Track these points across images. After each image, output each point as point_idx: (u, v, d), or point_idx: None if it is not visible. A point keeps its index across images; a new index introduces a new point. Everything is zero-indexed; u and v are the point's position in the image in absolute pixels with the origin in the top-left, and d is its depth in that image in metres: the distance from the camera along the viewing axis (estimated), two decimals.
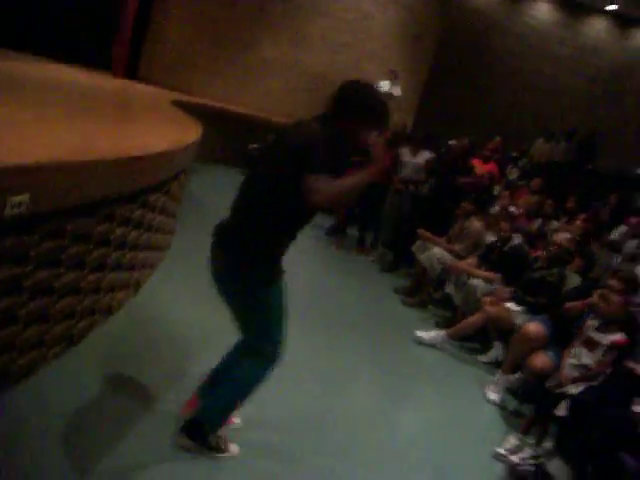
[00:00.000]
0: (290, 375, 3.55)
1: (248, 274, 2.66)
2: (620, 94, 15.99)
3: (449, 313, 6.17)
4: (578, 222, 7.08)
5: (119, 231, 3.64)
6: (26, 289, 2.74)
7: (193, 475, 2.79)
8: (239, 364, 2.84)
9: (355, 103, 2.63)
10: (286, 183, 2.49)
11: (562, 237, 5.32)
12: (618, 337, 3.94)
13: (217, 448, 2.91)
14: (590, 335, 4.06)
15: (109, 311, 3.87)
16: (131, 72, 12.54)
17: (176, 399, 3.22)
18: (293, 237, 2.72)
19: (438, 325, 5.77)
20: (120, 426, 2.92)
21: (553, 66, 16.12)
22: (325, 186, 2.37)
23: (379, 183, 7.94)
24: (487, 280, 5.67)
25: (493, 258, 5.98)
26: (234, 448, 2.98)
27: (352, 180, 2.48)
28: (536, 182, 9.52)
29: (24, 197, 2.36)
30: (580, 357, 4.04)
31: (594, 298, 4.18)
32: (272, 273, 2.70)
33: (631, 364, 3.76)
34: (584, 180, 11.24)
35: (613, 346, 3.91)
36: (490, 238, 6.49)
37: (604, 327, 4.03)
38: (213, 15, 13.03)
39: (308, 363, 4.27)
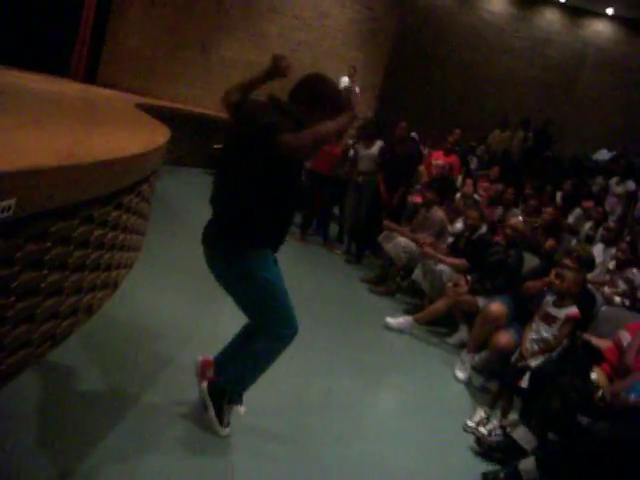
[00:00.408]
0: None
1: (242, 260, 2.85)
2: (573, 82, 16.43)
3: (417, 300, 6.41)
4: (549, 209, 7.27)
5: (97, 232, 3.77)
6: (13, 290, 2.87)
7: (188, 463, 2.95)
8: (259, 341, 3.02)
9: (317, 93, 2.92)
10: (258, 165, 2.72)
11: (515, 221, 5.59)
12: (573, 311, 4.20)
13: (223, 419, 3.11)
14: (548, 310, 4.32)
15: (90, 310, 4.00)
16: (90, 77, 12.56)
17: (162, 390, 3.38)
18: (277, 219, 2.90)
19: (408, 312, 5.99)
20: (108, 421, 3.05)
21: (508, 58, 16.48)
22: (299, 135, 2.62)
23: (339, 178, 8.19)
24: (454, 267, 5.90)
25: (460, 246, 6.23)
26: (228, 430, 3.16)
27: (324, 125, 2.73)
28: (495, 171, 9.86)
29: (11, 202, 2.50)
30: (539, 331, 4.30)
31: (551, 276, 4.43)
32: (263, 254, 2.89)
33: (587, 336, 4.04)
34: (541, 167, 11.59)
35: (568, 319, 4.17)
36: (457, 226, 6.76)
37: (560, 302, 4.29)
38: (172, 18, 13.13)
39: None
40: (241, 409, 3.19)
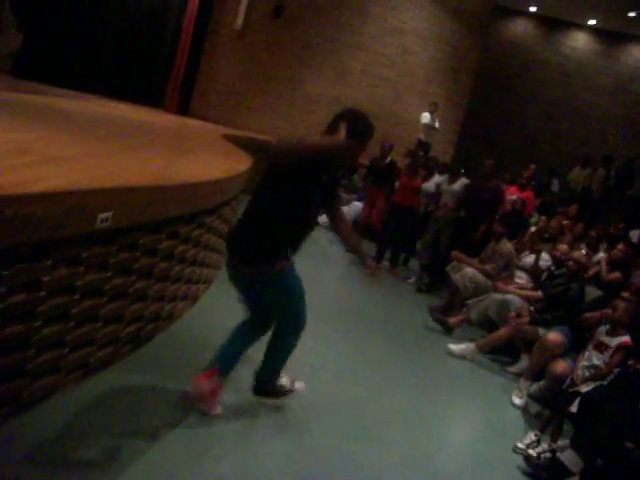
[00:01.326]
0: (331, 377, 4.05)
1: (270, 272, 3.24)
2: None
3: (483, 330, 6.56)
4: (620, 246, 7.29)
5: (180, 248, 4.20)
6: (106, 292, 3.30)
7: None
8: (286, 337, 3.54)
9: (357, 126, 3.25)
10: (288, 182, 3.17)
11: (578, 254, 5.71)
12: (624, 340, 4.32)
13: (281, 392, 3.71)
14: (600, 339, 4.45)
15: (171, 318, 4.42)
16: (183, 109, 13.35)
17: (231, 392, 3.74)
18: (296, 236, 3.33)
19: (471, 340, 6.16)
20: (180, 414, 3.42)
21: (591, 94, 16.39)
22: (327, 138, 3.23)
23: (409, 207, 8.49)
24: (529, 297, 6.04)
25: (545, 280, 6.35)
26: (299, 384, 3.82)
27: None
28: (572, 208, 9.85)
29: (109, 214, 2.93)
30: (591, 359, 4.43)
31: (607, 308, 4.57)
32: (287, 265, 3.29)
33: (639, 365, 4.14)
34: (621, 206, 11.47)
35: (620, 348, 4.29)
36: (526, 260, 6.92)
37: (612, 331, 4.41)
38: (260, 54, 13.82)
39: (349, 369, 4.75)
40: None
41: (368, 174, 10.11)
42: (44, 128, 4.80)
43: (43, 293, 2.76)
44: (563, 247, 6.40)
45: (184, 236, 4.22)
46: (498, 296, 6.23)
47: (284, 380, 3.73)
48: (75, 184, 2.78)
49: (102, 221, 2.90)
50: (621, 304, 4.43)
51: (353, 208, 10.40)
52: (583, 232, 8.14)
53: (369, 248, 9.09)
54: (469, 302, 6.30)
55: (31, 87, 8.64)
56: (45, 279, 2.75)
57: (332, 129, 3.27)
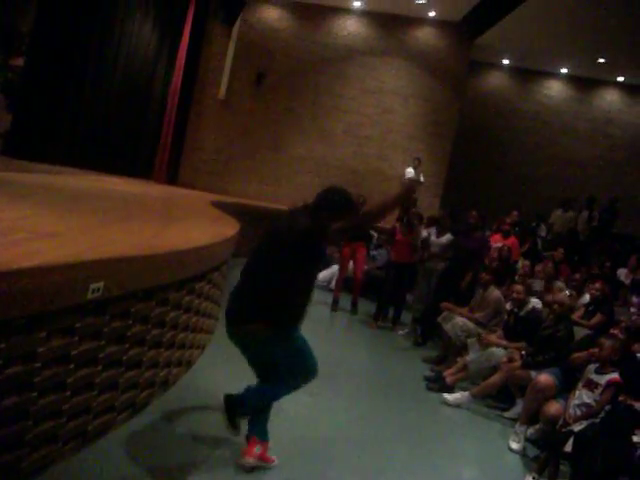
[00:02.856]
0: (327, 432, 4.11)
1: (273, 337, 3.49)
2: None
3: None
4: (597, 285, 7.44)
5: (172, 314, 4.29)
6: (100, 360, 3.38)
7: None
8: (273, 385, 3.79)
9: (333, 203, 3.62)
10: (288, 263, 3.45)
11: (561, 295, 5.83)
12: (613, 377, 4.39)
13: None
14: (590, 377, 4.53)
15: (166, 384, 4.48)
16: (172, 178, 13.61)
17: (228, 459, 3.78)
18: (298, 303, 3.60)
19: (464, 389, 6.21)
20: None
21: (570, 139, 16.81)
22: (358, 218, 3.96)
23: (406, 264, 8.61)
24: (514, 350, 6.09)
25: (511, 323, 6.44)
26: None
27: (383, 203, 3.69)
28: (559, 252, 9.96)
29: (100, 284, 3.05)
30: (582, 397, 4.50)
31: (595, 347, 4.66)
32: (290, 329, 3.58)
33: (629, 400, 4.21)
34: (608, 246, 11.62)
35: (609, 385, 4.36)
36: (509, 307, 6.99)
37: (601, 369, 4.50)
38: (244, 121, 14.19)
39: (345, 423, 4.80)
40: None
41: None
42: (34, 205, 4.95)
43: (39, 364, 2.85)
44: (518, 287, 6.52)
45: (175, 302, 4.32)
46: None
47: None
48: (65, 257, 2.90)
49: (94, 291, 3.01)
50: (607, 342, 4.52)
51: (331, 270, 10.54)
52: (567, 274, 8.26)
53: (363, 305, 9.22)
54: (468, 359, 6.31)
55: (22, 166, 8.84)
56: (40, 350, 2.83)
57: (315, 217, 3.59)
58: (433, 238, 8.92)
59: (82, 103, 11.29)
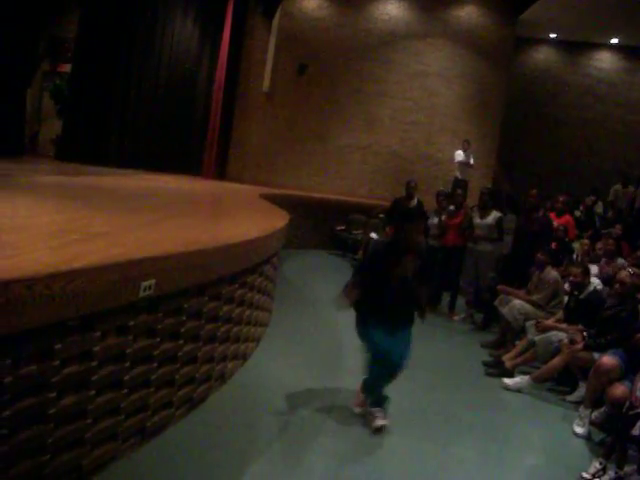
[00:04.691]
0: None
1: None
2: None
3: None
4: None
5: (225, 308, 4.30)
6: (156, 357, 3.40)
7: None
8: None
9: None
10: None
11: (624, 274, 5.61)
12: None
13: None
14: None
15: (222, 378, 4.50)
16: (220, 173, 13.70)
17: (286, 448, 3.77)
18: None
19: (525, 372, 6.06)
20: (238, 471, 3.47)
21: (625, 111, 16.29)
22: None
23: (454, 247, 8.44)
24: (571, 335, 5.91)
25: (572, 306, 6.24)
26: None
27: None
28: (617, 229, 9.67)
29: (151, 282, 3.06)
30: None
31: None
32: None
33: None
34: None
35: None
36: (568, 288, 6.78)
37: None
38: (289, 112, 14.17)
39: (407, 405, 4.75)
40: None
41: (390, 215, 9.66)
42: (86, 207, 5.02)
43: (95, 363, 2.88)
44: (574, 270, 6.26)
45: (227, 296, 4.33)
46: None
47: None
48: (116, 257, 2.91)
49: (145, 289, 3.02)
50: None
51: None
52: (628, 251, 7.99)
53: None
54: (536, 338, 6.14)
55: (74, 169, 9.01)
56: (95, 349, 2.87)
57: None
58: (477, 220, 8.61)
59: (129, 104, 11.45)
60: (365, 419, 4.40)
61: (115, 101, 11.16)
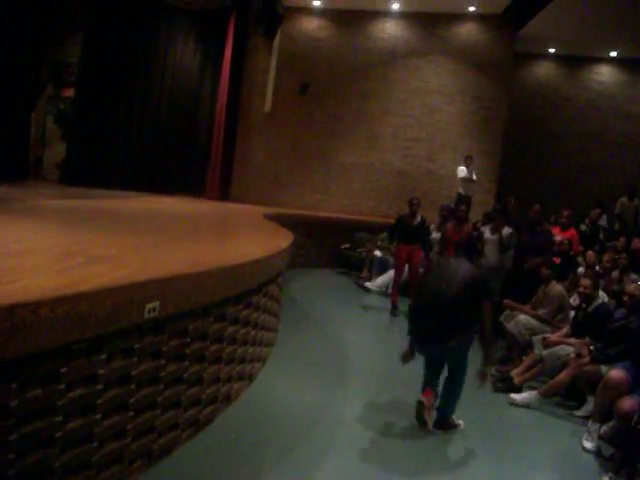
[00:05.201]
0: (393, 427, 4.05)
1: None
2: None
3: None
4: None
5: (230, 329, 4.30)
6: (161, 379, 3.40)
7: None
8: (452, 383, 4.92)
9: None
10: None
11: (633, 287, 5.59)
12: None
13: (455, 425, 4.91)
14: None
15: (229, 399, 4.49)
16: (224, 194, 13.75)
17: (291, 468, 3.76)
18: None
19: (532, 388, 6.03)
20: None
21: (625, 124, 16.30)
22: None
23: None
24: (578, 348, 5.87)
25: (580, 319, 6.21)
26: (460, 422, 4.95)
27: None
28: (621, 241, 9.66)
29: (156, 304, 3.07)
30: None
31: None
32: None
33: None
34: None
35: None
36: (575, 302, 6.76)
37: None
38: (291, 132, 14.23)
39: (407, 421, 4.73)
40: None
41: (394, 232, 9.49)
42: (90, 229, 5.05)
43: (100, 386, 2.88)
44: (585, 282, 6.23)
45: (233, 317, 4.34)
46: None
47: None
48: (120, 279, 2.93)
49: (150, 311, 3.04)
50: None
51: (389, 275, 10.37)
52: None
53: None
54: (544, 353, 6.11)
55: (78, 192, 9.07)
56: (101, 372, 2.87)
57: None
58: (487, 235, 8.69)
59: (132, 127, 11.56)
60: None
61: (118, 124, 11.27)
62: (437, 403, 4.88)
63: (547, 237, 8.52)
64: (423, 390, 4.86)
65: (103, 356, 2.87)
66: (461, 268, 4.73)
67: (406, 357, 4.89)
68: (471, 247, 5.21)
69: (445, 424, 4.83)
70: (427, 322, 4.65)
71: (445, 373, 4.98)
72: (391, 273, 10.05)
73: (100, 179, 10.86)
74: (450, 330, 4.60)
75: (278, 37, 14.15)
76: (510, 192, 9.40)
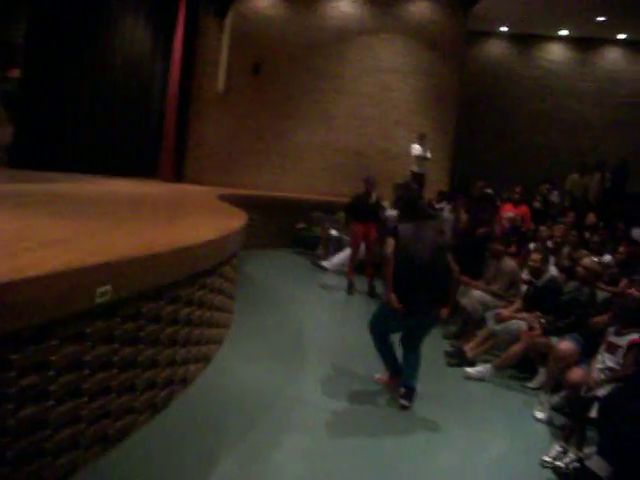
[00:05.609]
0: (351, 404, 4.11)
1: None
2: None
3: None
4: (622, 248, 7.30)
5: (184, 311, 4.28)
6: (115, 364, 3.37)
7: None
8: (416, 353, 5.11)
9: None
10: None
11: (587, 260, 5.74)
12: (634, 337, 4.33)
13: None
14: (610, 340, 4.47)
15: (185, 382, 4.47)
16: (178, 176, 13.59)
17: (247, 448, 3.78)
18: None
19: (486, 361, 6.15)
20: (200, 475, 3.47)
21: (577, 102, 16.63)
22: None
23: None
24: (530, 322, 6.00)
25: (530, 294, 6.35)
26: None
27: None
28: (570, 216, 9.87)
29: (107, 287, 3.03)
30: (604, 361, 4.44)
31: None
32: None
33: None
34: (622, 207, 11.49)
35: (631, 346, 4.29)
36: (526, 276, 6.89)
37: (621, 331, 4.43)
38: (245, 112, 14.10)
39: (371, 396, 4.79)
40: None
41: (350, 211, 9.50)
42: (39, 214, 4.94)
43: (53, 372, 2.84)
44: (534, 256, 6.37)
45: (187, 299, 4.31)
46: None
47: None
48: (70, 264, 2.88)
49: (101, 295, 3.00)
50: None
51: (345, 254, 10.41)
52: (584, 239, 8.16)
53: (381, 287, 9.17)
54: (497, 328, 6.22)
55: (27, 176, 8.86)
56: (53, 358, 2.83)
57: None
58: (446, 214, 8.80)
59: (82, 108, 11.30)
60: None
61: (68, 105, 11.00)
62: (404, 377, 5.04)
63: (491, 210, 8.70)
64: (392, 376, 5.20)
65: (54, 342, 2.83)
66: (434, 236, 4.92)
67: (396, 305, 4.81)
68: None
69: (413, 394, 4.94)
70: (420, 293, 4.77)
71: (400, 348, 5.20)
72: (347, 252, 10.09)
73: (50, 162, 10.59)
74: (438, 299, 4.89)
75: (230, 15, 13.97)
76: (479, 178, 9.55)
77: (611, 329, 4.54)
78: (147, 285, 3.53)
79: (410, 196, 5.22)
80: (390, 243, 4.86)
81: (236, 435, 4.02)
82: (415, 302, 4.78)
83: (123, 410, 3.53)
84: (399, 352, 5.22)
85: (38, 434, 2.81)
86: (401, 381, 5.04)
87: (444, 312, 5.03)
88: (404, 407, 4.83)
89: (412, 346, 5.10)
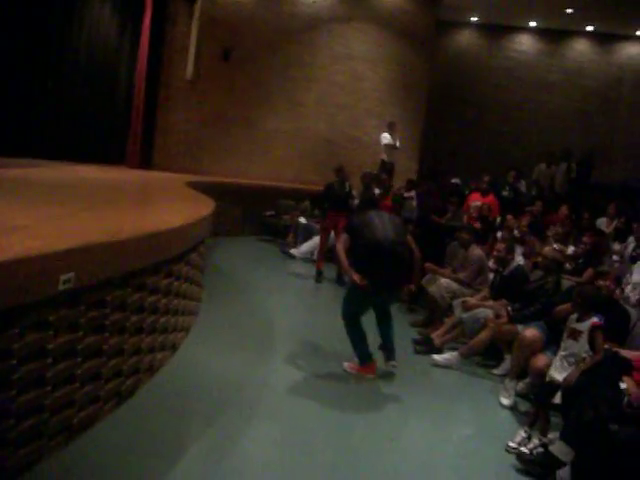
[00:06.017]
0: (320, 391, 4.12)
1: None
2: (614, 107, 16.56)
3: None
4: (585, 238, 7.38)
5: (151, 299, 4.24)
6: (79, 352, 3.33)
7: None
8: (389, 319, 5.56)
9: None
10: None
11: (547, 249, 5.82)
12: (593, 320, 4.41)
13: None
14: (572, 326, 4.55)
15: (151, 370, 4.44)
16: (145, 162, 13.41)
17: (215, 434, 3.77)
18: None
19: (454, 348, 6.21)
20: (170, 462, 3.45)
21: (544, 93, 16.77)
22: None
23: None
24: (496, 310, 6.06)
25: (496, 283, 6.42)
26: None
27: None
28: (537, 206, 9.98)
29: (71, 275, 2.98)
30: (567, 348, 4.52)
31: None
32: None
33: (615, 348, 4.24)
34: (588, 197, 11.65)
35: (593, 329, 4.37)
36: (493, 265, 6.97)
37: (582, 317, 4.51)
38: (214, 99, 13.95)
39: (338, 384, 4.81)
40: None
41: (324, 200, 9.47)
42: (3, 200, 4.86)
43: (14, 361, 2.79)
44: (499, 245, 6.47)
45: (153, 286, 4.27)
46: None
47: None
48: (32, 250, 2.83)
49: (65, 282, 2.95)
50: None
51: (313, 242, 10.42)
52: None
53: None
54: (464, 316, 6.26)
55: None
56: (15, 346, 2.78)
57: None
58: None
59: (48, 95, 11.08)
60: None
61: (33, 91, 10.79)
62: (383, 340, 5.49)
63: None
64: (365, 362, 5.30)
65: (16, 330, 2.78)
66: (391, 219, 5.37)
67: (360, 281, 5.01)
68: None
69: (393, 351, 5.42)
70: (386, 271, 5.03)
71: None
72: (316, 240, 10.08)
73: (14, 148, 10.40)
74: (401, 276, 5.25)
75: (200, 1, 13.79)
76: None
77: (573, 316, 4.61)
78: (112, 272, 3.48)
79: (369, 196, 6.16)
80: (345, 237, 5.26)
81: (204, 423, 4.02)
82: (379, 280, 5.05)
83: (88, 399, 3.49)
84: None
85: (1, 424, 2.77)
86: (372, 368, 5.30)
87: (411, 288, 5.66)
88: (395, 367, 5.37)
89: (383, 312, 5.54)
